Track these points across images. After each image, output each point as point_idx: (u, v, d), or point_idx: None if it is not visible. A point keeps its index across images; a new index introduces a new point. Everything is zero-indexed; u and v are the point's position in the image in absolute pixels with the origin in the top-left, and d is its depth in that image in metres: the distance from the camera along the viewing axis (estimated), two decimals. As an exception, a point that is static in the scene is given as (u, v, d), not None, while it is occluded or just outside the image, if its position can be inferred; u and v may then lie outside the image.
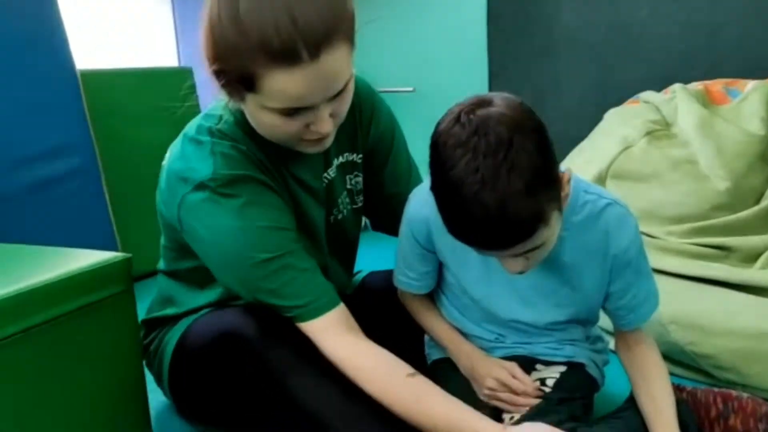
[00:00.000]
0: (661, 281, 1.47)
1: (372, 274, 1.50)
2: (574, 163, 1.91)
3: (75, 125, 1.97)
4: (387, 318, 1.30)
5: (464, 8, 2.71)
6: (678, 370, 1.44)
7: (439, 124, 0.89)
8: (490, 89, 2.64)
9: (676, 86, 1.98)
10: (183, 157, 1.10)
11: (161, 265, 1.32)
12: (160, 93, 1.89)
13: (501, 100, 0.87)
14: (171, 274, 1.30)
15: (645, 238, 1.61)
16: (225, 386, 1.11)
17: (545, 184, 0.85)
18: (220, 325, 1.08)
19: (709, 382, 1.40)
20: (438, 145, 0.87)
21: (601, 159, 1.83)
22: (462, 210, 0.85)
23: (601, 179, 1.79)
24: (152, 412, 1.35)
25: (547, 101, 2.56)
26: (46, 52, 1.95)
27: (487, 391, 1.10)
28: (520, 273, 0.96)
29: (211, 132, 1.10)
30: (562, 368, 1.14)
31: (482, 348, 1.16)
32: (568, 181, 0.93)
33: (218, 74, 0.98)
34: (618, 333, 1.14)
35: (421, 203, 1.09)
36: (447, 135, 0.86)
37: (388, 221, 1.27)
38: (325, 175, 1.24)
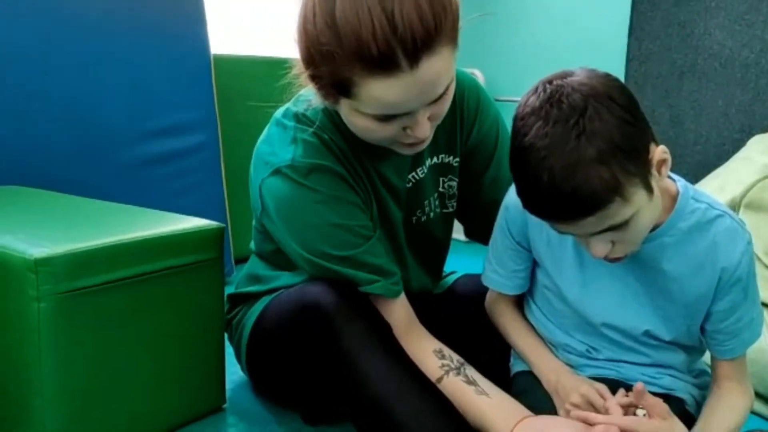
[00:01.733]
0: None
1: (465, 276, 1.45)
2: (706, 189, 1.75)
3: (203, 105, 2.06)
4: (472, 322, 1.25)
5: (605, 17, 2.58)
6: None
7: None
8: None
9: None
10: (268, 140, 1.11)
11: (252, 244, 1.35)
12: (286, 81, 1.93)
13: (584, 71, 0.85)
14: (259, 254, 1.32)
15: (776, 276, 1.46)
16: (298, 361, 1.10)
17: (624, 155, 0.80)
18: (300, 296, 1.07)
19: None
20: (516, 116, 0.86)
21: (735, 186, 1.67)
22: (530, 177, 0.82)
23: (733, 207, 1.63)
24: (230, 385, 1.38)
25: (686, 124, 2.38)
26: (184, 35, 2.05)
27: (569, 407, 1.01)
28: (610, 260, 0.91)
29: (297, 117, 1.10)
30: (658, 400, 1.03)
31: (570, 365, 1.08)
32: (665, 162, 0.87)
33: (312, 78, 0.96)
34: (712, 365, 1.03)
35: None
36: (524, 105, 0.85)
37: (486, 230, 1.20)
38: (413, 174, 1.20)
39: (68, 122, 1.78)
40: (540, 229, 1.03)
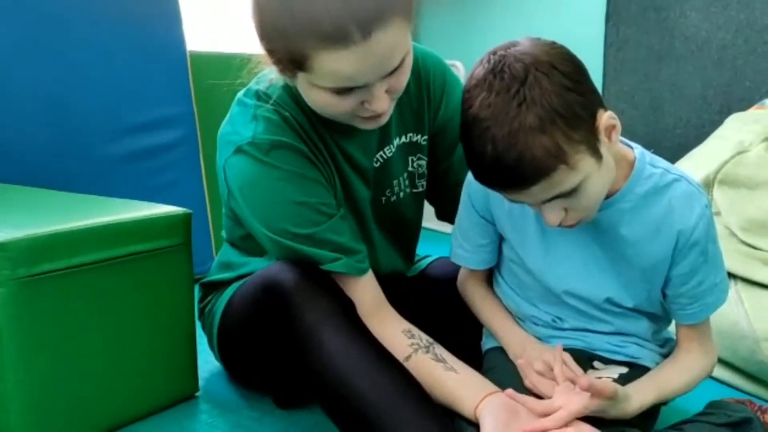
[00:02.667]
0: (760, 296, 1.34)
1: (440, 259, 1.44)
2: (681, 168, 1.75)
3: (180, 100, 2.06)
4: (445, 305, 1.25)
5: (581, 5, 2.58)
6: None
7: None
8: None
9: (809, 91, 1.78)
10: (230, 120, 1.12)
11: (223, 232, 1.34)
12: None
13: (528, 40, 0.86)
14: (230, 241, 1.32)
15: (750, 250, 1.46)
16: (266, 345, 1.09)
17: (566, 122, 0.80)
18: (262, 278, 1.07)
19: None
20: (464, 88, 0.87)
21: (709, 163, 1.66)
22: (476, 148, 0.83)
23: (707, 185, 1.63)
24: (205, 374, 1.38)
25: (665, 108, 2.38)
26: (160, 32, 2.05)
27: (534, 376, 1.01)
28: (566, 226, 0.91)
29: (257, 95, 1.10)
30: (623, 369, 1.03)
31: (537, 336, 1.09)
32: (614, 128, 0.87)
33: (268, 53, 0.97)
34: (676, 330, 1.03)
35: None
36: (471, 77, 0.86)
37: (454, 211, 1.19)
38: (381, 153, 1.20)
39: (44, 119, 1.78)
40: (501, 201, 1.03)
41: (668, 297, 1.01)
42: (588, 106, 0.84)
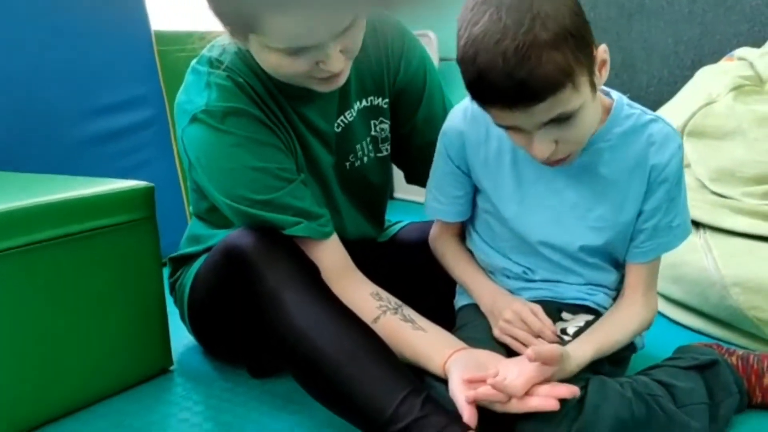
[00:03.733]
0: (728, 243, 1.34)
1: (410, 224, 1.44)
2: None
3: (147, 80, 2.03)
4: (417, 268, 1.26)
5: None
6: (737, 340, 1.29)
7: None
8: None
9: (777, 41, 1.77)
10: (185, 89, 1.11)
11: (191, 206, 1.33)
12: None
13: None
14: (197, 214, 1.31)
15: (718, 200, 1.46)
16: (234, 314, 1.09)
17: (576, 42, 0.81)
18: (224, 246, 1.07)
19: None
20: (464, 9, 0.85)
21: (678, 116, 1.66)
22: (484, 63, 0.81)
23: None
24: (180, 349, 1.38)
25: (637, 66, 2.37)
26: (124, 11, 2.02)
27: (502, 324, 1.01)
28: (551, 163, 0.91)
29: (210, 62, 1.09)
30: (589, 317, 1.04)
31: (508, 289, 1.09)
32: (605, 63, 0.89)
33: (218, 15, 0.96)
34: (626, 274, 1.05)
35: (458, 117, 1.06)
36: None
37: (423, 173, 1.19)
38: (342, 118, 1.19)
39: (8, 103, 1.75)
40: (477, 149, 1.04)
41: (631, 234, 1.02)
42: (590, 33, 0.85)
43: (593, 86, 0.87)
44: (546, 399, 0.84)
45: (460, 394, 0.88)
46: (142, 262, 1.22)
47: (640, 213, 1.00)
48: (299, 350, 0.94)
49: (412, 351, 1.00)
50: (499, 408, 0.87)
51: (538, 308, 1.01)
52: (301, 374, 0.97)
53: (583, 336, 0.97)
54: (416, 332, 1.01)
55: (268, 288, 0.97)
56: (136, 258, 1.21)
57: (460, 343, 0.99)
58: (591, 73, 0.85)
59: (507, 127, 0.90)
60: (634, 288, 1.03)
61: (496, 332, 1.02)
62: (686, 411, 0.95)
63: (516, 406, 0.86)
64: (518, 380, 0.86)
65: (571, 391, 0.85)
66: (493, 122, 0.90)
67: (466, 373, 0.91)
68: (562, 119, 0.85)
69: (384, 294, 1.08)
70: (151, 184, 1.24)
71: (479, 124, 1.04)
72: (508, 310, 1.01)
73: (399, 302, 1.07)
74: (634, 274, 1.03)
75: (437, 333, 1.02)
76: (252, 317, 1.00)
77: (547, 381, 0.87)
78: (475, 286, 1.11)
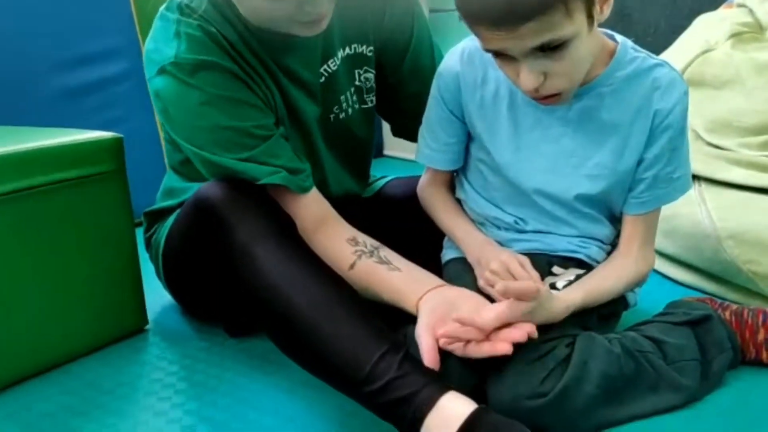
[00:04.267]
0: (723, 195, 1.29)
1: (396, 179, 1.39)
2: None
3: (123, 31, 1.95)
4: (403, 223, 1.21)
5: None
6: (731, 294, 1.24)
7: None
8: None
9: (778, -13, 1.70)
10: (153, 36, 1.04)
11: (166, 158, 1.28)
12: None
13: None
14: (172, 167, 1.26)
15: (715, 151, 1.41)
16: (208, 270, 1.03)
17: None
18: (194, 198, 1.01)
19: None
20: None
21: (675, 64, 1.58)
22: None
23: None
24: (157, 308, 1.34)
25: (633, 16, 2.29)
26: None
27: (488, 274, 0.97)
28: (542, 100, 0.87)
29: (180, 8, 1.02)
30: (580, 271, 1.00)
31: (498, 241, 1.04)
32: (607, 1, 0.84)
33: None
34: (622, 227, 1.00)
35: (455, 59, 1.01)
36: None
37: (411, 125, 1.14)
38: (325, 67, 1.13)
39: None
40: (473, 92, 1.00)
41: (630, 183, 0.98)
42: None
43: (590, 19, 0.82)
44: (498, 342, 0.82)
45: (424, 336, 0.86)
46: (112, 217, 1.17)
47: (640, 161, 0.95)
48: (272, 308, 0.89)
49: (389, 291, 0.97)
50: (459, 352, 0.85)
51: (526, 260, 0.97)
52: (274, 333, 0.92)
53: (574, 284, 0.94)
54: (391, 273, 0.98)
55: (239, 242, 0.92)
56: (106, 213, 1.16)
57: (436, 281, 0.97)
58: (589, 3, 0.80)
59: (495, 54, 0.85)
60: (629, 241, 0.98)
61: (481, 283, 0.98)
62: (677, 368, 0.92)
63: (472, 350, 0.84)
64: (489, 313, 0.83)
65: (521, 333, 0.82)
66: (482, 47, 0.85)
67: (435, 313, 0.89)
68: (552, 48, 0.80)
69: (361, 237, 1.04)
70: (120, 135, 1.18)
71: (476, 66, 0.99)
72: (496, 260, 0.97)
73: (376, 244, 1.03)
74: (631, 226, 0.99)
75: (412, 271, 0.99)
76: (224, 273, 0.95)
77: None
78: (463, 235, 1.07)
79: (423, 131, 1.09)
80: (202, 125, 0.99)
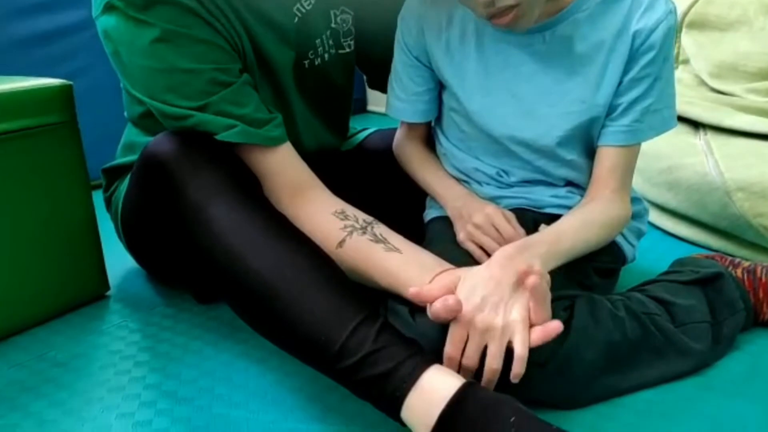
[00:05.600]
0: (731, 144, 1.20)
1: (377, 131, 1.29)
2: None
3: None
4: (385, 178, 1.13)
5: None
6: (740, 251, 1.16)
7: None
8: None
9: None
10: None
11: (125, 111, 1.16)
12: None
13: None
14: (131, 119, 1.15)
15: (720, 97, 1.32)
16: (167, 231, 0.93)
17: None
18: (143, 153, 0.90)
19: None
20: None
21: (677, 5, 1.49)
22: None
23: (676, 30, 1.47)
24: (120, 272, 1.25)
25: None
26: None
27: (471, 228, 0.89)
28: (501, 22, 0.78)
29: None
30: None
31: (484, 197, 0.95)
32: None
33: None
34: (594, 165, 0.91)
35: (417, 1, 0.94)
36: None
37: (386, 76, 1.04)
38: (298, 6, 1.01)
39: None
40: (438, 35, 0.92)
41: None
42: None
43: None
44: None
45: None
46: (65, 174, 1.06)
47: (618, 85, 0.86)
48: (229, 275, 0.78)
49: (387, 275, 0.83)
50: None
51: (512, 215, 0.90)
52: (234, 303, 0.82)
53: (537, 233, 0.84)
54: (390, 254, 0.85)
55: (191, 201, 0.81)
56: (57, 169, 1.05)
57: (443, 264, 0.83)
58: None
59: None
60: (601, 181, 0.89)
61: (461, 236, 0.90)
62: (686, 331, 0.84)
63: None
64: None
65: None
66: None
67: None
68: None
69: (351, 210, 0.91)
70: (69, 82, 1.06)
71: (440, 6, 0.91)
72: (480, 213, 0.89)
73: (369, 219, 0.91)
74: (604, 161, 0.89)
75: (415, 254, 0.86)
76: (179, 237, 0.85)
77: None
78: (443, 190, 0.99)
79: (391, 80, 1.01)
80: (154, 67, 0.87)
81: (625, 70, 0.85)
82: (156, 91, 0.88)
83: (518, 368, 0.70)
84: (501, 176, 0.95)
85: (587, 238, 0.84)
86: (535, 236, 0.81)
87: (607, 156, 0.89)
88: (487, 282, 0.73)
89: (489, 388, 0.72)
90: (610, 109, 0.87)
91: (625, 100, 0.86)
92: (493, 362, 0.71)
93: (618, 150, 0.88)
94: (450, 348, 0.72)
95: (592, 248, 0.86)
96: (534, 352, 0.71)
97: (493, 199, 0.95)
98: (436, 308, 0.72)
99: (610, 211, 0.87)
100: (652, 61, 0.83)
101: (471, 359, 0.72)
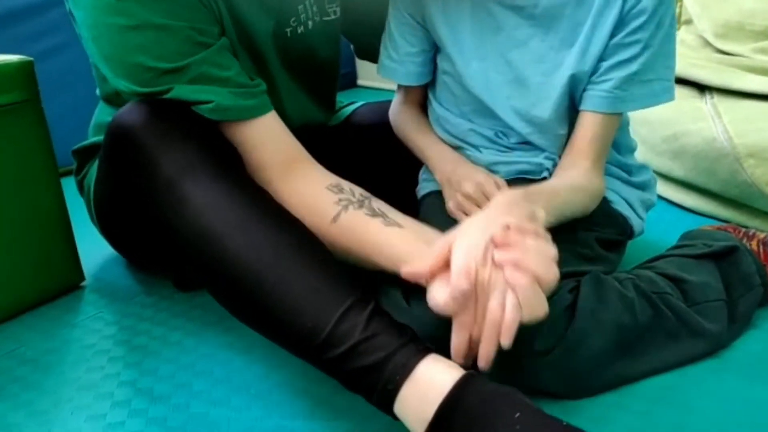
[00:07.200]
0: (740, 107, 1.13)
1: (367, 104, 1.23)
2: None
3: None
4: (375, 153, 1.08)
5: None
6: (751, 221, 1.10)
7: None
8: None
9: None
10: None
11: (97, 88, 1.09)
12: None
13: None
14: (104, 98, 1.08)
15: (726, 58, 1.25)
16: (131, 203, 0.85)
17: None
18: (112, 121, 0.81)
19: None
20: None
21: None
22: None
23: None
24: (97, 260, 1.18)
25: None
26: None
27: (461, 198, 0.84)
28: None
29: None
30: None
31: (482, 165, 0.90)
32: None
33: None
34: (574, 131, 0.85)
35: None
36: None
37: (375, 45, 0.99)
38: None
39: None
40: None
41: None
42: None
43: None
44: None
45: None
46: (28, 157, 0.99)
47: (605, 47, 0.81)
48: (206, 258, 0.72)
49: (386, 252, 0.76)
50: None
51: (503, 183, 0.84)
52: (214, 289, 0.75)
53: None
54: (389, 229, 0.77)
55: (163, 177, 0.74)
56: (19, 151, 0.98)
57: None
58: None
59: None
60: (581, 152, 0.83)
61: (450, 205, 0.86)
62: (699, 310, 0.78)
63: None
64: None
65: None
66: None
67: None
68: None
69: (346, 185, 0.84)
70: (29, 58, 0.99)
71: None
72: (470, 181, 0.84)
73: (366, 194, 0.83)
74: (585, 129, 0.83)
75: (418, 228, 0.78)
76: (152, 217, 0.78)
77: None
78: (435, 154, 0.95)
79: (384, 40, 0.97)
80: (125, 24, 0.78)
81: (612, 34, 0.80)
82: (127, 54, 0.80)
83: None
84: (499, 137, 0.89)
85: (575, 201, 0.80)
86: (533, 187, 0.76)
87: (588, 123, 0.83)
88: (488, 230, 0.64)
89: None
90: (593, 71, 0.82)
91: (606, 64, 0.81)
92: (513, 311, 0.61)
93: (599, 118, 0.82)
94: (457, 339, 0.65)
95: (577, 215, 0.80)
96: (538, 339, 0.65)
97: (493, 165, 0.89)
98: (445, 300, 0.64)
99: (593, 183, 0.83)
100: (641, 26, 0.78)
101: (480, 326, 0.63)
